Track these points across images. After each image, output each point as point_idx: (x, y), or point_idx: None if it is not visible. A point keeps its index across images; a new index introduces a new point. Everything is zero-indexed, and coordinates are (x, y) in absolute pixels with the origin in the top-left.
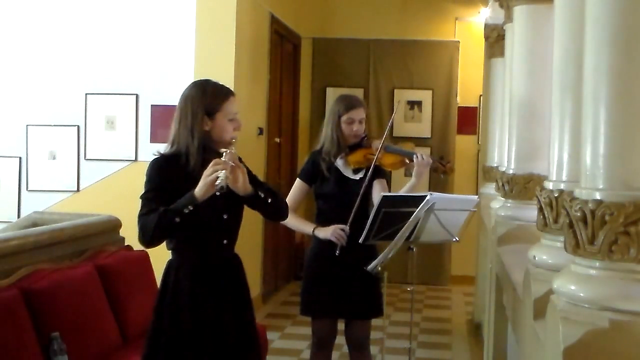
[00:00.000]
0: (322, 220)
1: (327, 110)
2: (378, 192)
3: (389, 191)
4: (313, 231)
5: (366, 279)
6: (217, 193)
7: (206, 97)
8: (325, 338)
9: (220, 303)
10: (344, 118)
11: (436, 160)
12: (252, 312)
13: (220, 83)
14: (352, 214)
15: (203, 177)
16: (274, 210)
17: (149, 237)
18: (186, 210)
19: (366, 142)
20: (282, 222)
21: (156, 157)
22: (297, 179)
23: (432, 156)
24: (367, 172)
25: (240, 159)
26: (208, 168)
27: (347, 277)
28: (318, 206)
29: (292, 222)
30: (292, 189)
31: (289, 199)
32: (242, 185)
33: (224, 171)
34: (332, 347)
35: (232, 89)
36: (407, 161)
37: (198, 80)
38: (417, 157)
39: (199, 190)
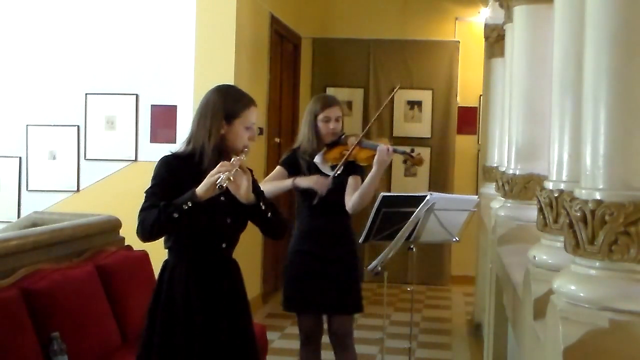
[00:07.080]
0: (305, 215)
1: (305, 111)
2: (351, 188)
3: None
4: (293, 181)
5: (347, 274)
6: (222, 197)
7: (228, 101)
8: (311, 333)
9: (213, 306)
10: (320, 116)
11: (406, 152)
12: (250, 318)
13: (244, 91)
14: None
15: (208, 176)
16: (273, 226)
17: (147, 231)
18: (185, 207)
19: (343, 140)
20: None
21: (167, 154)
22: (278, 166)
23: (400, 148)
24: (340, 167)
25: (250, 171)
26: (214, 169)
27: (328, 272)
28: (299, 202)
29: (269, 186)
30: (271, 174)
31: (267, 179)
32: (245, 193)
33: (227, 172)
34: (320, 342)
35: None
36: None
37: (223, 85)
38: (379, 146)
39: (201, 188)
